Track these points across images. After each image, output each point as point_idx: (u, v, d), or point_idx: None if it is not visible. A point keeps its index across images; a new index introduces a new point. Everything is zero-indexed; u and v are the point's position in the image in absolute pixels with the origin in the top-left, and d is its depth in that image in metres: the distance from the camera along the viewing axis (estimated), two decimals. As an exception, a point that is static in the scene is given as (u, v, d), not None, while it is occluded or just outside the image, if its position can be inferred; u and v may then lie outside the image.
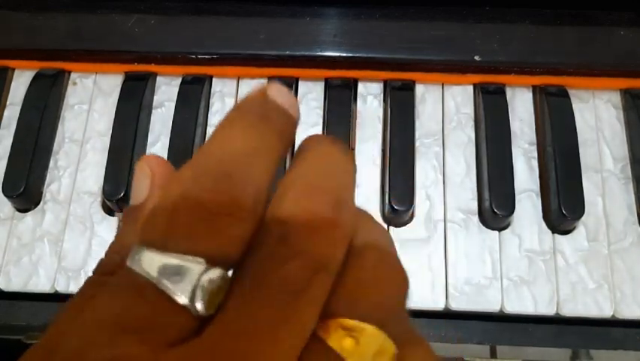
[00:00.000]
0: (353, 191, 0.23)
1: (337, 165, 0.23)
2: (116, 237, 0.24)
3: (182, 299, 0.19)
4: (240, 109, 0.24)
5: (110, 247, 0.23)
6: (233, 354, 0.18)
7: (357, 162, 0.43)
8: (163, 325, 0.19)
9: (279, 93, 0.24)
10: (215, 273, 0.19)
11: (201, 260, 0.19)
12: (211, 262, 0.19)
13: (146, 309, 0.19)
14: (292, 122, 0.24)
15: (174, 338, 0.19)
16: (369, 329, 0.20)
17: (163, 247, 0.19)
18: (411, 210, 0.41)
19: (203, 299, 0.19)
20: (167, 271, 0.19)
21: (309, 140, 0.24)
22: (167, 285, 0.19)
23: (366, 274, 0.21)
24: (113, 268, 0.21)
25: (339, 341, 0.19)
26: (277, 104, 0.24)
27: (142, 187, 0.24)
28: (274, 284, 0.19)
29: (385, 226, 0.41)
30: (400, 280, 0.22)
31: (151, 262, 0.19)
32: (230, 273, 0.20)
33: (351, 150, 0.29)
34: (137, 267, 0.19)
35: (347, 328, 0.20)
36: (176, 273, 0.19)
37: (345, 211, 0.21)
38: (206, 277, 0.19)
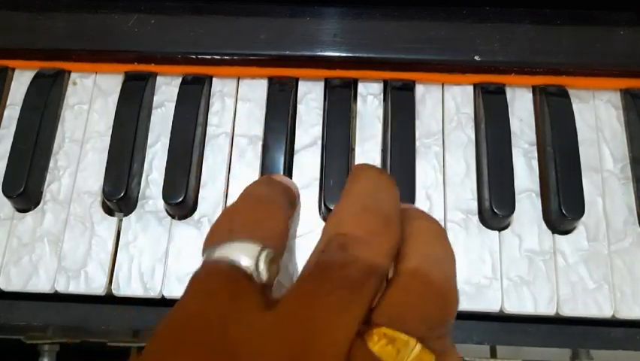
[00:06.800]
0: (398, 209, 0.29)
1: (385, 189, 0.29)
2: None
3: (246, 262, 0.25)
4: (250, 187, 0.33)
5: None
6: (306, 322, 0.23)
7: (357, 162, 0.43)
8: (240, 288, 0.25)
9: (278, 177, 0.36)
10: (268, 250, 0.26)
11: (259, 243, 0.26)
12: (263, 243, 0.26)
13: (226, 280, 0.25)
14: (292, 193, 0.35)
15: (254, 303, 0.24)
16: (410, 341, 0.23)
17: (227, 240, 0.27)
18: (411, 210, 0.41)
19: (265, 264, 0.26)
20: (233, 253, 0.26)
21: (358, 168, 0.31)
22: (237, 257, 0.26)
23: (414, 293, 0.25)
24: None
25: (381, 347, 0.23)
26: (279, 182, 0.34)
27: None
28: (336, 280, 0.24)
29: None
30: (444, 302, 0.26)
31: (222, 252, 0.26)
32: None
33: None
34: (213, 257, 0.26)
35: (390, 338, 0.23)
36: (239, 252, 0.26)
37: (392, 228, 0.27)
38: (263, 252, 0.26)
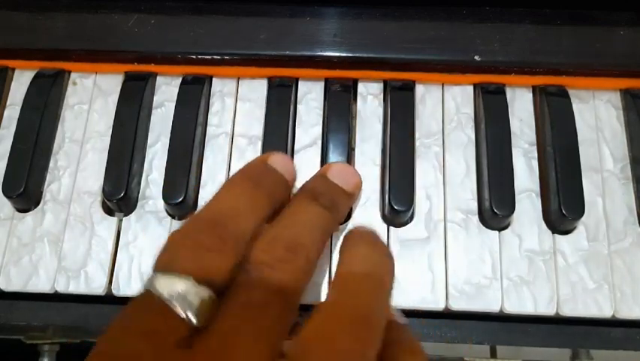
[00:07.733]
0: (311, 236, 0.30)
1: (300, 218, 0.31)
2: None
3: (178, 310, 0.25)
4: (241, 173, 0.32)
5: None
6: (218, 357, 0.24)
7: (357, 162, 0.43)
8: (165, 330, 0.25)
9: (277, 160, 0.33)
10: (203, 291, 0.26)
11: (191, 278, 0.26)
12: (200, 283, 0.26)
13: (153, 317, 0.25)
14: (284, 184, 0.33)
15: (173, 342, 0.24)
16: None
17: (167, 270, 0.26)
18: (411, 210, 0.41)
19: (193, 311, 0.25)
20: (168, 288, 0.25)
21: (291, 201, 0.33)
22: (169, 299, 0.25)
23: (325, 327, 0.26)
24: None
25: None
26: (274, 171, 0.33)
27: None
28: (241, 304, 0.26)
29: (385, 225, 0.41)
30: (357, 337, 0.25)
31: (159, 283, 0.26)
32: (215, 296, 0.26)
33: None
34: (150, 287, 0.26)
35: None
36: (174, 288, 0.25)
37: (298, 252, 0.28)
38: (195, 294, 0.25)
